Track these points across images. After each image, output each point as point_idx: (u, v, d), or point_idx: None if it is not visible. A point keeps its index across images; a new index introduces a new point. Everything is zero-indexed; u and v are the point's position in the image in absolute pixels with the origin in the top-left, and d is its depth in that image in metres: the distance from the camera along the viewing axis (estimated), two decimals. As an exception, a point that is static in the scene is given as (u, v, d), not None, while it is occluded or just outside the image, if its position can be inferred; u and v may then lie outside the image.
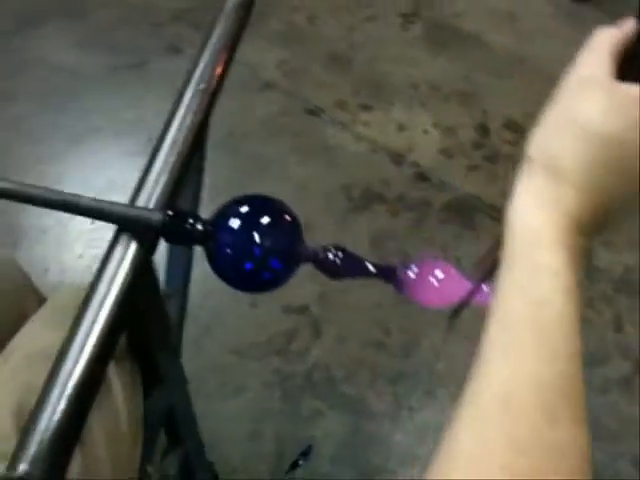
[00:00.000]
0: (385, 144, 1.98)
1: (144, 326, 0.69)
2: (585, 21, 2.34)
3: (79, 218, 2.05)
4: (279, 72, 2.17)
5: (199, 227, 0.58)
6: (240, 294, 1.90)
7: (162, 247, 0.77)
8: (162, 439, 0.94)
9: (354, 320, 1.63)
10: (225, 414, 1.48)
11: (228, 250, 0.58)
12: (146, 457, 0.75)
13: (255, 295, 1.66)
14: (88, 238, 1.73)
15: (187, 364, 1.50)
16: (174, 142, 0.68)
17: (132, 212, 0.60)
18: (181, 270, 0.84)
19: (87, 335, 0.55)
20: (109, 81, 2.15)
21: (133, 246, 0.60)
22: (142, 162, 0.66)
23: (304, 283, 1.68)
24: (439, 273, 0.54)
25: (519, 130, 2.02)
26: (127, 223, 0.60)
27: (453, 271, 0.54)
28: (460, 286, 0.53)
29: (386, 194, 1.86)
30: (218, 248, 0.58)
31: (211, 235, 0.58)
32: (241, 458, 1.42)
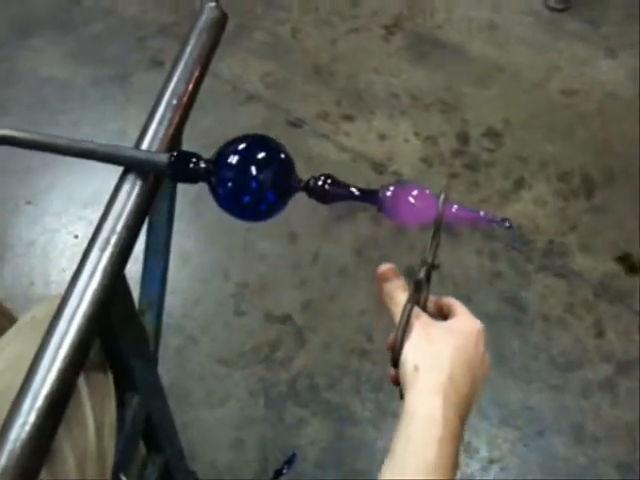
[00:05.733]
0: (367, 153, 2.00)
1: (118, 335, 0.71)
2: (564, 30, 2.38)
3: (64, 231, 2.02)
4: (262, 84, 2.19)
5: (202, 165, 0.62)
6: (224, 303, 1.89)
7: (137, 259, 0.79)
8: (143, 449, 0.95)
9: (338, 328, 1.64)
10: (210, 422, 1.49)
11: (228, 185, 0.61)
12: (122, 466, 0.76)
13: (240, 304, 1.68)
14: (72, 252, 1.74)
15: (172, 373, 1.51)
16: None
17: (141, 154, 0.64)
18: (157, 281, 0.85)
19: (59, 345, 0.56)
20: (95, 93, 2.17)
21: (138, 184, 0.63)
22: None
23: (288, 292, 1.69)
24: (415, 194, 0.58)
25: (498, 138, 2.05)
26: (135, 164, 0.64)
27: (427, 193, 0.59)
28: (433, 206, 0.58)
29: (368, 203, 1.87)
30: (219, 184, 0.61)
31: (213, 172, 0.62)
32: (226, 465, 1.43)
